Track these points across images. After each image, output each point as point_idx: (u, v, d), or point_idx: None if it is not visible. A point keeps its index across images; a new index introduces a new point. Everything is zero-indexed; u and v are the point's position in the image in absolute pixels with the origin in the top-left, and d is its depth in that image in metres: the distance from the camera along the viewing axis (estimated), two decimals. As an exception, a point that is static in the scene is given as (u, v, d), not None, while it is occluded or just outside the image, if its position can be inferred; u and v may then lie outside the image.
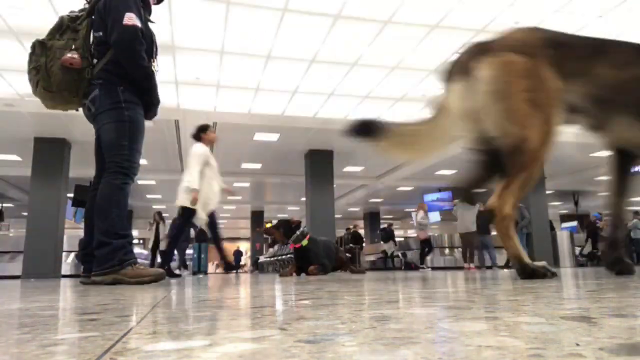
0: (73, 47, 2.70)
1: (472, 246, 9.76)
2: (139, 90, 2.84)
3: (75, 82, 2.71)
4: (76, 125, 9.45)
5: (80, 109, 2.96)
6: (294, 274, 5.71)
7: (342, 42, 6.61)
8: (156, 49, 3.01)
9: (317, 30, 6.29)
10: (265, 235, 6.13)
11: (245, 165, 13.35)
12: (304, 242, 5.84)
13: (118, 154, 2.75)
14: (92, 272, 2.63)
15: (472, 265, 9.43)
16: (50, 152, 10.26)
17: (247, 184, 16.10)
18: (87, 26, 2.77)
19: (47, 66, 2.67)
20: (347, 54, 6.96)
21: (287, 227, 6.00)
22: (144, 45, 2.77)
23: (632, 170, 2.35)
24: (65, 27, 2.75)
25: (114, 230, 2.64)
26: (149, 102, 2.92)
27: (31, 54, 2.73)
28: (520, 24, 6.20)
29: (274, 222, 6.59)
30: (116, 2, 2.74)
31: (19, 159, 11.70)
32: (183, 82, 7.57)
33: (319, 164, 11.83)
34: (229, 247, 35.26)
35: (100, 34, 2.77)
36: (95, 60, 2.79)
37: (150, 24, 2.97)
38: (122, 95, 2.77)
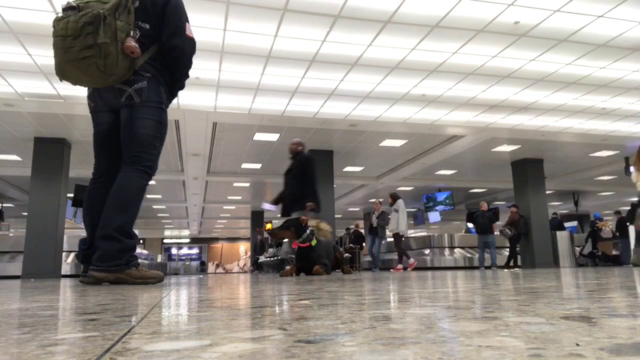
0: (132, 33, 2.55)
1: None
2: (170, 93, 2.89)
3: (127, 71, 2.58)
4: (76, 125, 9.45)
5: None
6: (294, 273, 5.69)
7: (342, 42, 6.61)
8: None
9: (317, 30, 6.29)
10: (272, 237, 5.99)
11: (245, 165, 13.35)
12: (313, 242, 5.80)
13: (148, 153, 2.71)
14: (92, 265, 2.53)
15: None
16: (50, 152, 10.26)
17: (247, 184, 16.10)
18: (134, 12, 2.62)
19: (105, 44, 2.46)
20: (347, 54, 6.96)
21: (299, 226, 5.92)
22: None
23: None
24: (122, 7, 2.54)
25: (127, 229, 2.58)
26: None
27: (86, 24, 2.42)
28: (520, 24, 6.20)
29: (274, 223, 6.57)
30: (178, 9, 2.74)
31: (19, 159, 11.70)
32: (183, 82, 7.57)
33: (319, 164, 11.82)
34: (229, 247, 35.29)
35: (147, 26, 2.67)
36: None
37: None
38: (163, 95, 2.78)
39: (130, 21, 2.56)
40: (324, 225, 5.58)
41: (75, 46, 2.44)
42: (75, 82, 2.64)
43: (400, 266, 10.01)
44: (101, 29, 2.43)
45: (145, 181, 2.70)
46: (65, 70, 2.53)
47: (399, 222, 10.04)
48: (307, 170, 6.35)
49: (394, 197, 10.35)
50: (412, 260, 10.13)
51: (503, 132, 10.71)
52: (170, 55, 2.74)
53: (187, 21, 2.81)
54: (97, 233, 2.58)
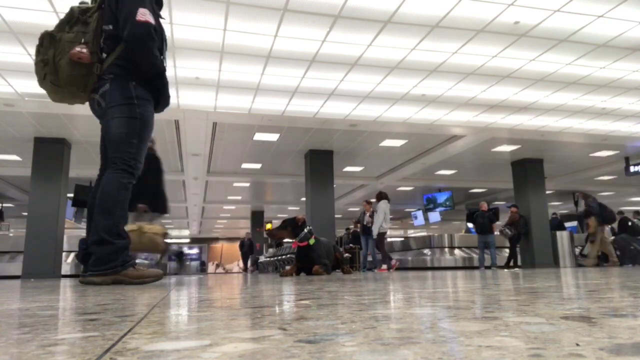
0: (83, 40, 2.60)
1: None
2: (150, 86, 2.78)
3: (84, 78, 2.62)
4: (76, 125, 9.45)
5: (85, 104, 2.91)
6: (294, 273, 5.69)
7: (342, 42, 6.61)
8: (166, 46, 2.94)
9: (317, 30, 6.29)
10: (271, 238, 5.93)
11: (245, 165, 13.35)
12: (311, 241, 5.79)
13: (126, 151, 2.68)
14: (89, 271, 2.54)
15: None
16: (50, 152, 10.26)
17: (247, 184, 16.10)
18: (97, 19, 2.66)
19: (55, 60, 2.58)
20: (347, 54, 6.96)
21: (295, 225, 5.91)
22: (156, 42, 2.71)
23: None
24: (75, 19, 2.65)
25: (117, 230, 2.57)
26: (159, 99, 2.87)
27: (39, 46, 2.62)
28: (520, 24, 6.20)
29: (274, 222, 6.52)
30: None
31: (19, 159, 11.69)
32: (183, 82, 7.56)
33: (319, 164, 11.83)
34: (229, 247, 35.29)
35: (110, 27, 2.67)
36: (104, 55, 2.70)
37: (161, 20, 2.91)
38: (134, 91, 2.70)
39: (88, 30, 2.62)
40: (150, 227, 5.10)
41: (38, 70, 2.64)
42: (59, 101, 2.77)
43: (384, 267, 10.01)
44: (47, 46, 2.59)
45: (126, 180, 2.67)
46: (48, 94, 2.70)
47: (376, 223, 10.04)
48: (148, 170, 6.12)
49: (379, 197, 10.29)
50: (386, 266, 10.12)
51: (503, 132, 10.71)
52: (128, 50, 2.66)
53: (143, 5, 2.65)
54: (89, 239, 2.60)
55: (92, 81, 2.65)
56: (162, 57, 2.83)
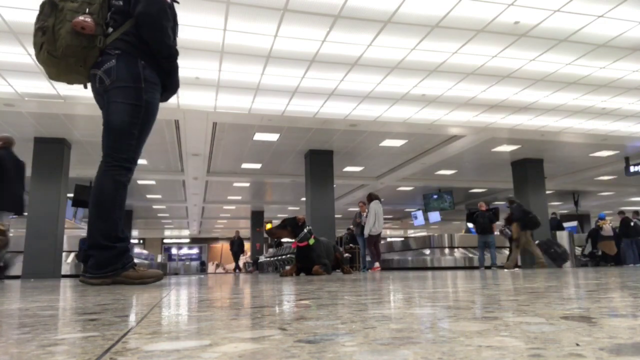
0: (87, 11, 2.44)
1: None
2: (160, 69, 2.60)
3: (84, 50, 2.44)
4: (76, 125, 9.45)
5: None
6: (294, 273, 5.69)
7: (342, 42, 6.61)
8: (177, 29, 2.86)
9: (317, 30, 6.29)
10: (270, 237, 5.92)
11: (245, 165, 13.35)
12: (311, 241, 5.80)
13: (125, 143, 2.49)
14: (88, 273, 2.48)
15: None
16: (50, 152, 10.26)
17: (247, 184, 16.10)
18: None
19: (54, 28, 2.42)
20: (347, 54, 6.96)
21: (295, 225, 5.92)
22: (170, 22, 2.56)
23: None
24: None
25: (115, 233, 2.47)
26: (168, 85, 2.69)
27: (39, 15, 2.47)
28: (520, 24, 6.20)
29: (274, 222, 6.52)
30: None
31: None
32: (183, 82, 7.50)
33: (319, 164, 11.83)
34: (229, 248, 35.30)
35: (120, 2, 2.53)
36: (110, 30, 2.53)
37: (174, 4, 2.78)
38: (142, 71, 2.51)
39: (95, 2, 2.49)
40: None
41: (36, 40, 2.48)
42: (57, 78, 2.59)
43: (377, 265, 10.02)
44: (47, 14, 2.45)
45: (123, 177, 2.50)
46: (44, 69, 2.54)
47: (367, 224, 10.05)
48: None
49: (369, 198, 10.31)
50: (376, 264, 10.14)
51: (503, 132, 10.71)
52: (139, 27, 2.51)
53: None
54: (87, 241, 2.53)
55: (92, 55, 2.48)
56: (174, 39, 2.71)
